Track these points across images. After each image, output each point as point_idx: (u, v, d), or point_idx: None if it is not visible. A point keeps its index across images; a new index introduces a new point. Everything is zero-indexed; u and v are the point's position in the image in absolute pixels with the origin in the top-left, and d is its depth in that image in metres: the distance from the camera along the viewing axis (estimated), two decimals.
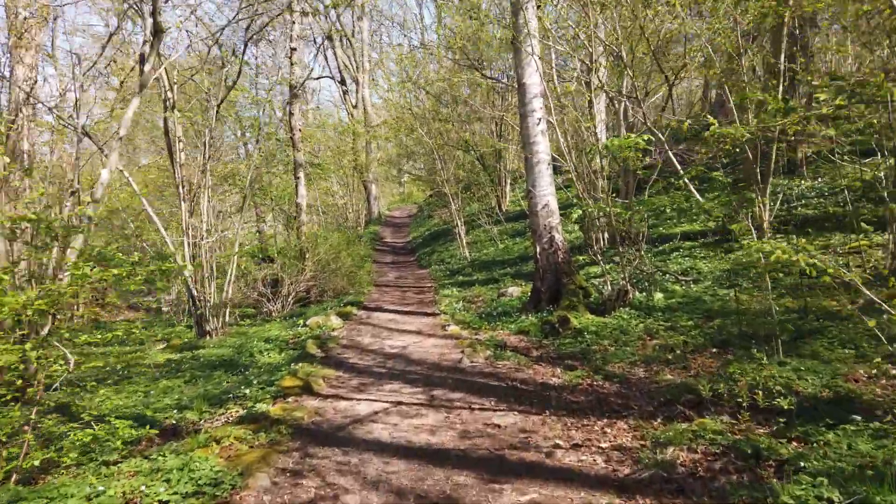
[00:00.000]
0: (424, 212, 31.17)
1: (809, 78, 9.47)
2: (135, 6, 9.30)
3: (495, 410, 5.11)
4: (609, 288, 9.03)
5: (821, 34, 14.13)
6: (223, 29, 10.18)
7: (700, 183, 10.84)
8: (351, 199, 24.98)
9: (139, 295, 21.41)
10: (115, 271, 4.39)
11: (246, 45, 11.09)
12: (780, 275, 9.05)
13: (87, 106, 18.16)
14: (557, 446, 4.23)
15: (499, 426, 4.68)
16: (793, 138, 8.52)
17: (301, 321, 10.39)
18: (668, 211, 7.53)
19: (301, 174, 14.51)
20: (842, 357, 5.28)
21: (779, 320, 5.84)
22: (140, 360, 9.60)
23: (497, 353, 7.27)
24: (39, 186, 14.50)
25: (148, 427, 4.65)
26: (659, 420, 4.55)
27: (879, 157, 8.09)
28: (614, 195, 11.14)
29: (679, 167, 9.63)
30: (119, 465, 4.10)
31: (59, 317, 5.82)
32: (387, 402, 5.43)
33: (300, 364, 6.77)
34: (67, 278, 4.70)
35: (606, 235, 10.11)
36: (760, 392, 4.49)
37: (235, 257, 11.67)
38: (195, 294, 11.15)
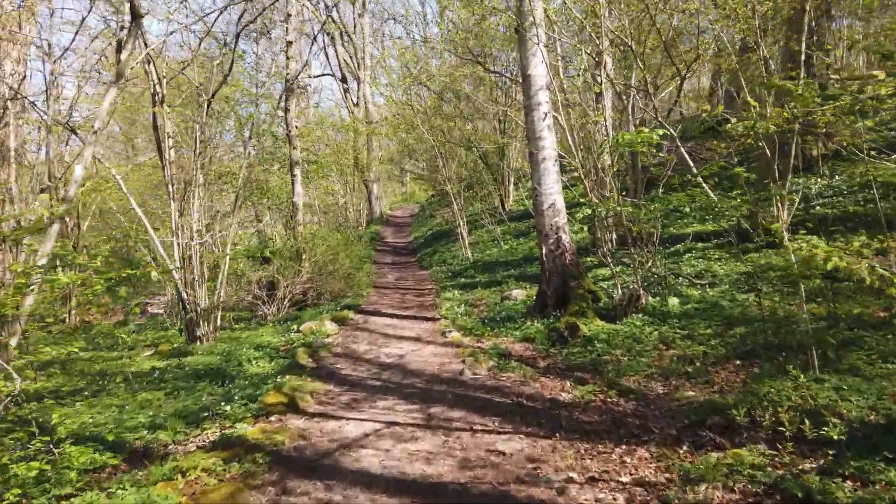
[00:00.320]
0: (426, 211, 30.65)
1: (830, 70, 8.95)
2: None
3: (500, 433, 4.58)
4: (619, 292, 8.49)
5: (830, 29, 13.61)
6: (207, 15, 9.65)
7: (715, 181, 10.28)
8: (352, 199, 24.49)
9: (135, 296, 21.00)
10: (69, 277, 3.88)
11: (238, 37, 10.57)
12: (788, 274, 8.54)
13: (79, 103, 17.73)
14: (571, 480, 3.71)
15: (503, 453, 4.16)
16: (822, 131, 8.00)
17: (294, 326, 9.88)
18: (686, 210, 6.99)
19: (297, 172, 14.01)
20: (885, 373, 4.75)
21: (813, 329, 5.30)
22: (124, 368, 9.11)
23: (501, 363, 6.75)
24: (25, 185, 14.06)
25: (108, 455, 4.14)
26: (685, 447, 4.02)
27: None
28: (623, 194, 10.62)
29: (692, 164, 9.09)
30: (73, 499, 3.60)
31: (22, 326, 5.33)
32: (380, 422, 4.92)
33: (287, 377, 6.26)
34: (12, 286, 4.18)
35: (614, 236, 9.59)
36: (805, 419, 3.93)
37: (227, 259, 11.16)
38: (185, 297, 10.65)
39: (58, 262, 11.06)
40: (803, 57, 9.26)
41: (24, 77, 14.07)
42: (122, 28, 7.11)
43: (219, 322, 11.12)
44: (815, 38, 10.57)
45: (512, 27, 9.90)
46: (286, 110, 13.67)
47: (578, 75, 12.25)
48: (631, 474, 3.72)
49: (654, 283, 8.58)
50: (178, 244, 10.69)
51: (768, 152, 9.75)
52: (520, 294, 10.66)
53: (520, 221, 18.85)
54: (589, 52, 11.34)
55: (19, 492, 3.47)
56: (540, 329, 8.09)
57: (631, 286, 8.55)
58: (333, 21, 30.85)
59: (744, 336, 6.36)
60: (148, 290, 19.55)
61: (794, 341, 5.92)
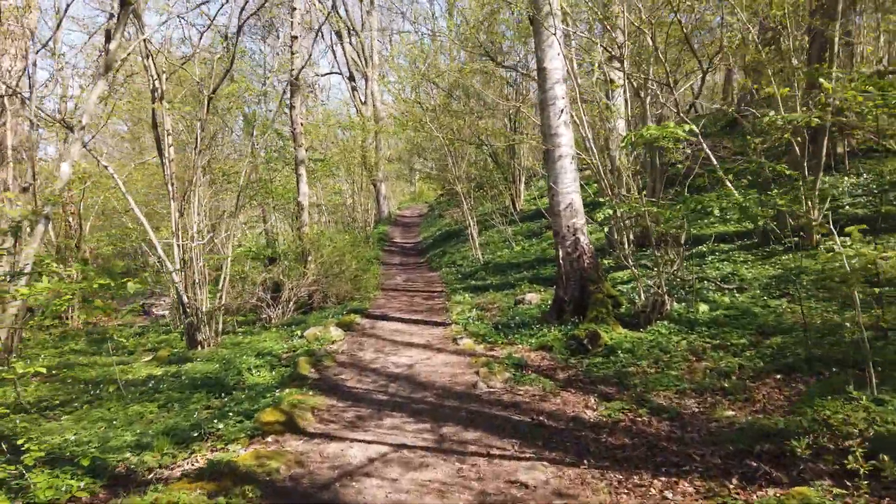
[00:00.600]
0: (435, 211, 30.19)
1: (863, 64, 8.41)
2: None
3: (520, 459, 4.10)
4: (642, 297, 7.99)
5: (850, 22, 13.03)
6: (205, 2, 9.22)
7: (748, 179, 9.76)
8: (359, 199, 24.04)
9: (140, 298, 20.67)
10: (43, 285, 3.44)
11: (240, 29, 10.15)
12: (836, 281, 8.01)
13: (79, 101, 17.34)
14: None
15: (526, 486, 3.68)
16: (858, 125, 7.49)
17: (298, 332, 9.44)
18: (714, 210, 6.48)
19: (303, 170, 13.56)
20: None
21: (867, 340, 4.77)
22: (119, 376, 8.69)
23: (517, 375, 6.27)
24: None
25: (87, 481, 3.69)
26: (734, 481, 3.53)
27: None
28: (642, 193, 10.11)
29: (715, 161, 8.57)
30: None
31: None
32: (386, 444, 4.45)
33: (287, 390, 5.81)
34: None
35: (632, 237, 9.09)
36: (877, 450, 3.41)
37: (229, 261, 10.73)
38: (185, 301, 10.23)
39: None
40: (836, 47, 8.74)
41: (23, 73, 13.72)
42: (111, 17, 6.71)
43: (220, 326, 10.69)
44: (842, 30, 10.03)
45: (526, 17, 9.41)
46: (291, 107, 13.23)
47: (594, 70, 11.75)
48: None
49: (678, 287, 8.08)
50: (179, 245, 10.27)
51: (797, 149, 9.23)
52: (534, 298, 10.17)
53: (532, 221, 18.35)
54: (605, 45, 10.85)
55: None
56: (557, 336, 7.60)
57: (654, 290, 8.05)
58: (339, 16, 30.40)
59: (782, 347, 5.85)
60: (155, 290, 19.21)
61: (839, 354, 5.42)
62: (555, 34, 8.08)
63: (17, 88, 13.38)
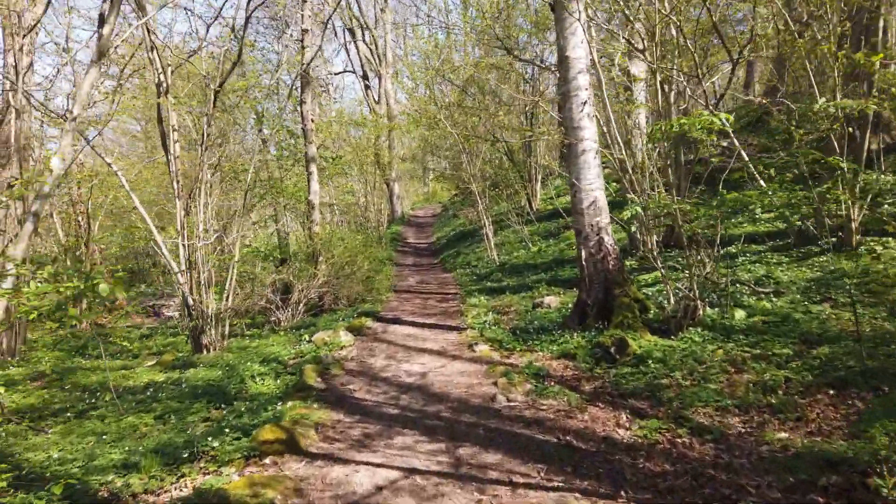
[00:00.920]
0: (449, 211, 29.75)
1: None
2: None
3: (548, 489, 3.62)
4: (671, 301, 7.47)
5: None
6: None
7: (794, 173, 9.21)
8: (372, 198, 23.64)
9: (152, 298, 20.39)
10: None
11: (247, 21, 9.72)
12: (883, 285, 7.44)
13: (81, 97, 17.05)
14: None
15: None
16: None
17: (306, 336, 9.01)
18: (757, 209, 5.94)
19: (314, 168, 13.15)
20: None
21: None
22: (120, 382, 8.32)
23: (539, 386, 5.78)
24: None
25: None
26: None
27: None
28: (667, 190, 9.57)
29: (746, 156, 8.01)
30: None
31: None
32: (396, 468, 3.98)
33: (291, 402, 5.37)
34: None
35: (656, 238, 8.57)
36: None
37: (235, 262, 10.33)
38: (191, 303, 9.84)
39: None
40: (888, 33, 8.17)
41: (29, 68, 13.44)
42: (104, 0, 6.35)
43: (227, 329, 10.29)
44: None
45: (546, 4, 8.91)
46: (301, 102, 12.82)
47: (614, 64, 11.22)
48: None
49: (708, 290, 7.54)
50: (184, 245, 9.88)
51: (835, 143, 8.66)
52: (553, 301, 9.68)
53: (548, 221, 17.83)
54: (627, 37, 10.32)
55: None
56: (581, 344, 7.10)
57: (682, 294, 7.52)
58: (351, 11, 30.03)
59: (831, 358, 5.31)
60: (164, 291, 18.93)
61: None
62: (578, 20, 7.58)
63: (24, 85, 13.12)
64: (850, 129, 6.96)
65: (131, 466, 4.25)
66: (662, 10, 8.94)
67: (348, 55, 42.59)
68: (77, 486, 3.94)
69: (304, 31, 12.70)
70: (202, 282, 9.90)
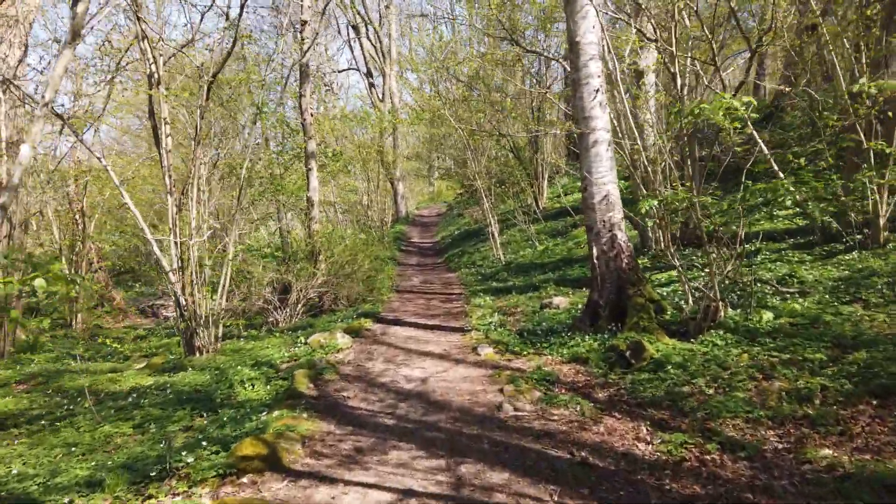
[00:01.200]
0: (454, 210, 29.32)
1: None
2: None
3: None
4: (690, 302, 6.98)
5: None
6: None
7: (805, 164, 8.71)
8: (376, 197, 23.20)
9: (151, 298, 20.00)
10: None
11: (242, 8, 9.30)
12: None
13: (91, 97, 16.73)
14: None
15: None
16: None
17: (302, 338, 8.57)
18: (787, 202, 5.46)
19: (313, 164, 12.71)
20: None
21: None
22: (106, 386, 7.90)
23: (549, 394, 5.31)
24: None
25: None
26: None
27: None
28: (682, 184, 9.09)
29: (764, 146, 7.52)
30: None
31: None
32: (389, 489, 3.52)
33: (278, 412, 4.91)
34: None
35: (668, 234, 8.09)
36: None
37: (229, 261, 9.89)
38: (183, 304, 9.41)
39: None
40: None
41: (21, 62, 13.05)
42: None
43: (220, 331, 9.85)
44: None
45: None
46: (300, 96, 12.39)
47: (624, 58, 10.73)
48: None
49: (728, 289, 7.06)
50: (176, 243, 9.45)
51: (862, 132, 8.16)
52: (562, 301, 9.21)
53: (555, 220, 17.36)
54: (638, 26, 9.86)
55: None
56: (593, 347, 6.62)
57: (697, 294, 7.04)
58: (353, 5, 29.62)
59: (869, 364, 4.82)
60: (162, 292, 18.53)
61: None
62: (590, 1, 7.11)
63: (16, 78, 12.75)
64: (891, 113, 6.45)
65: (95, 485, 3.81)
66: None
67: (352, 53, 42.26)
68: None
69: (303, 23, 12.27)
70: (194, 281, 9.47)
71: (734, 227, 6.69)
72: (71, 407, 6.63)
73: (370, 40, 32.58)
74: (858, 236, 8.28)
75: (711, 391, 5.00)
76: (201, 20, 9.83)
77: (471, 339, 7.98)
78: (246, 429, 4.57)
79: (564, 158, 23.87)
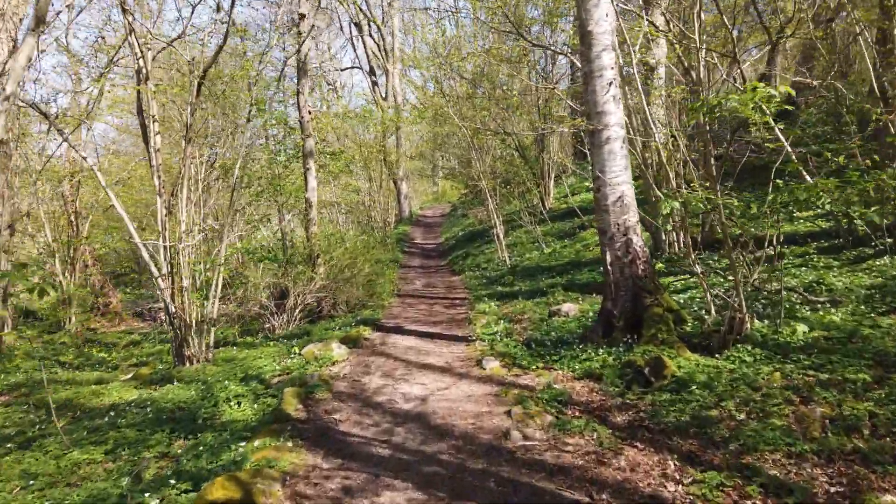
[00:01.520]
0: (458, 211, 28.80)
1: None
2: None
3: None
4: (712, 312, 6.45)
5: None
6: None
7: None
8: (378, 197, 22.71)
9: (149, 302, 19.54)
10: None
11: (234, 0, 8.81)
12: None
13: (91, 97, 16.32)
14: None
15: None
16: None
17: (296, 349, 8.07)
18: (825, 203, 4.92)
19: (311, 164, 12.22)
20: None
21: None
22: (87, 400, 7.44)
23: (561, 419, 4.79)
24: None
25: None
26: None
27: None
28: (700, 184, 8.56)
29: (785, 141, 6.97)
30: None
31: None
32: None
33: (259, 440, 4.41)
34: None
35: (689, 238, 7.57)
36: None
37: (221, 267, 9.41)
38: (172, 311, 8.94)
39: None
40: None
41: (9, 58, 12.56)
42: None
43: (212, 339, 9.38)
44: None
45: None
46: (298, 93, 11.90)
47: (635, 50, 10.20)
48: None
49: (753, 298, 6.52)
50: (165, 246, 8.99)
51: (893, 128, 7.64)
52: (571, 309, 8.69)
53: (562, 221, 16.83)
54: (650, 19, 9.33)
55: None
56: (608, 362, 6.10)
57: (718, 303, 6.51)
58: (356, 2, 29.13)
59: None
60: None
61: None
62: None
63: (3, 75, 12.30)
64: None
65: None
66: None
67: (355, 51, 41.80)
68: None
69: (301, 17, 11.78)
70: (184, 287, 9.00)
71: (752, 230, 6.17)
72: (43, 427, 6.15)
73: (373, 38, 32.12)
74: (889, 240, 7.75)
75: (743, 416, 4.48)
76: (192, 12, 9.34)
77: (475, 350, 7.48)
78: (222, 461, 4.08)
79: (571, 158, 23.34)
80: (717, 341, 5.87)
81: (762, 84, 4.49)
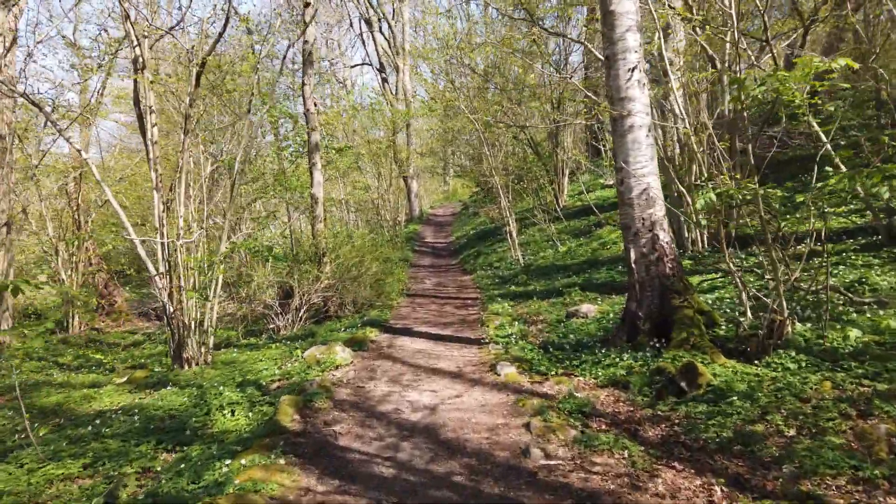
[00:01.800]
0: (469, 209, 28.29)
1: None
2: None
3: None
4: (748, 314, 5.92)
5: None
6: None
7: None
8: (388, 195, 22.23)
9: (155, 300, 19.19)
10: None
11: None
12: None
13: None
14: None
15: None
16: None
17: (299, 352, 7.63)
18: (884, 192, 4.38)
19: (317, 158, 11.75)
20: None
21: None
22: (76, 405, 7.02)
23: (587, 433, 4.29)
24: None
25: None
26: None
27: None
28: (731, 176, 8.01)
29: (819, 129, 6.41)
30: None
31: None
32: None
33: (249, 457, 3.94)
34: None
35: (725, 233, 7.02)
36: None
37: (221, 264, 8.96)
38: (170, 311, 8.51)
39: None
40: None
41: (8, 51, 12.24)
42: None
43: (211, 341, 8.94)
44: None
45: None
46: (303, 84, 11.45)
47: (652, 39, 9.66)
48: None
49: (790, 298, 5.97)
50: (162, 244, 8.55)
51: None
52: (590, 309, 8.18)
53: (577, 219, 16.27)
54: (670, 4, 8.79)
55: None
56: (635, 368, 5.59)
57: (749, 304, 5.96)
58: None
59: None
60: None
61: None
62: None
63: (3, 67, 11.97)
64: None
65: None
66: None
67: (365, 48, 41.41)
68: None
69: (306, 4, 11.33)
70: (182, 287, 8.56)
71: (793, 224, 5.64)
72: (24, 435, 5.72)
73: (383, 34, 31.70)
74: None
75: (793, 432, 3.96)
76: (191, 2, 8.90)
77: (488, 354, 6.98)
78: (205, 481, 3.62)
79: (585, 154, 22.78)
80: (755, 346, 5.34)
81: (818, 57, 3.96)
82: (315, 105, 11.60)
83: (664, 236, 6.35)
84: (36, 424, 6.00)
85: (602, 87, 16.70)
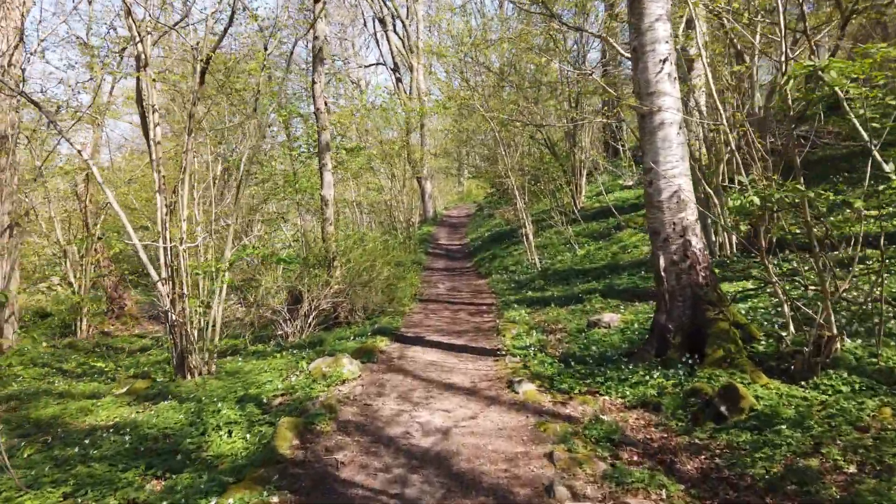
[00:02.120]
0: (484, 211, 27.82)
1: None
2: None
3: None
4: (791, 328, 5.41)
5: None
6: None
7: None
8: (402, 197, 21.84)
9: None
10: None
11: None
12: None
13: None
14: None
15: None
16: None
17: (304, 364, 7.22)
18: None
19: (327, 159, 11.35)
20: None
21: None
22: (71, 418, 6.67)
23: (618, 466, 3.82)
24: None
25: None
26: None
27: None
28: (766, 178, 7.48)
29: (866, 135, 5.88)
30: None
31: None
32: None
33: (238, 494, 3.53)
34: None
35: (765, 239, 6.51)
36: None
37: (226, 269, 8.60)
38: (172, 319, 8.16)
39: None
40: None
41: (16, 49, 11.99)
42: None
43: (216, 350, 8.58)
44: None
45: None
46: (313, 82, 11.06)
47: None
48: None
49: (853, 315, 5.44)
50: (165, 248, 8.20)
51: None
52: (613, 319, 7.69)
53: (595, 221, 15.74)
54: None
55: None
56: (667, 388, 5.11)
57: (789, 317, 5.45)
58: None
59: None
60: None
61: None
62: None
63: (10, 66, 11.71)
64: None
65: None
66: None
67: (379, 48, 41.12)
68: None
69: (316, 1, 10.94)
70: (185, 293, 8.20)
71: (843, 229, 5.14)
72: (11, 455, 5.36)
73: (397, 33, 31.35)
74: None
75: (853, 468, 3.48)
76: None
77: (505, 368, 6.53)
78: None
79: (603, 155, 22.24)
80: (801, 365, 4.84)
81: (884, 44, 3.48)
82: (326, 104, 11.21)
83: (696, 242, 5.86)
84: (23, 444, 5.65)
85: (621, 84, 16.20)
